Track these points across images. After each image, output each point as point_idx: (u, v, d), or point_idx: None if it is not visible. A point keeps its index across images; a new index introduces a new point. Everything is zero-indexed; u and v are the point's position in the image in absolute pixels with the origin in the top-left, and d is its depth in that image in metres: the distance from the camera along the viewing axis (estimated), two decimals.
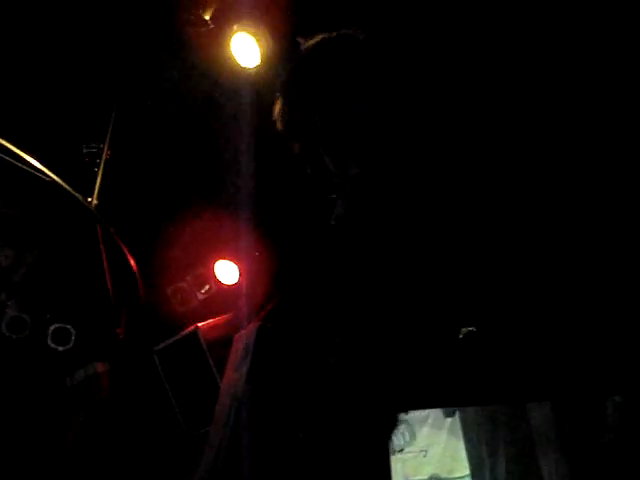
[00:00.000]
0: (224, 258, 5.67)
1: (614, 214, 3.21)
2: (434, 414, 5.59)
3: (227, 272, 5.72)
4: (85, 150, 5.35)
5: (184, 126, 5.15)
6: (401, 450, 5.43)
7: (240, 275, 5.68)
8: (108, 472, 5.80)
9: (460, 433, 5.43)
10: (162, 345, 5.76)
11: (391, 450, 5.20)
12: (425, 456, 5.47)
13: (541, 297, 5.26)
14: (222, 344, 5.38)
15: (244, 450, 4.32)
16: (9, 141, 4.50)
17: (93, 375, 6.23)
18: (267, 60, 4.54)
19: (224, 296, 5.82)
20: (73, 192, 4.49)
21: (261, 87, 4.61)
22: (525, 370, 5.19)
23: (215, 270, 5.73)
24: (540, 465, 5.27)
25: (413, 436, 5.52)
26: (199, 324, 5.52)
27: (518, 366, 5.22)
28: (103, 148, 5.29)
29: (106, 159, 5.30)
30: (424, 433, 5.54)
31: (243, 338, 4.93)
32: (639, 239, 3.03)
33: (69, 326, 6.20)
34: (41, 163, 4.60)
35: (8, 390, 6.61)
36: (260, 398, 4.15)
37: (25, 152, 4.55)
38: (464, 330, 5.75)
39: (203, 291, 5.84)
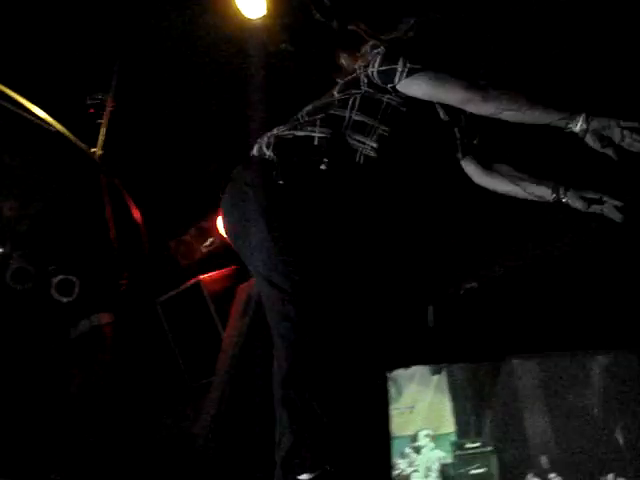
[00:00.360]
0: None
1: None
2: (420, 371, 5.60)
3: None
4: (89, 101, 5.34)
5: (188, 77, 5.12)
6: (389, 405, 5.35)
7: None
8: (111, 420, 5.88)
9: (446, 390, 5.47)
10: (165, 297, 5.81)
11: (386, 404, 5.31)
12: (411, 412, 5.47)
13: (532, 254, 5.30)
14: (225, 296, 5.42)
15: (247, 399, 4.38)
16: (14, 91, 4.50)
17: (97, 326, 6.28)
18: (272, 11, 4.50)
19: (228, 249, 5.84)
20: (78, 142, 4.49)
21: (266, 38, 4.59)
22: (512, 327, 5.22)
23: (219, 223, 5.74)
24: (525, 424, 5.35)
25: (399, 393, 5.51)
26: (202, 276, 5.55)
27: (506, 322, 5.27)
28: (107, 99, 5.27)
29: (110, 110, 5.29)
30: (410, 390, 5.53)
31: (246, 289, 4.97)
32: None
33: (73, 277, 6.24)
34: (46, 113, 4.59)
35: (13, 341, 6.68)
36: (262, 348, 4.18)
37: (30, 102, 4.54)
38: (466, 286, 5.80)
39: (207, 244, 5.85)
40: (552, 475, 5.07)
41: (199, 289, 5.55)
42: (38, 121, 4.42)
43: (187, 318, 5.80)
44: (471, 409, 5.38)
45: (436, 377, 5.50)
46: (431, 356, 5.47)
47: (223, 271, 5.63)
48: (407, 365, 5.49)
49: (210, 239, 5.82)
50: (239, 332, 4.62)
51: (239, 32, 4.78)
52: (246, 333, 4.54)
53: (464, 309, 5.50)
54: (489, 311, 5.35)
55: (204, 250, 5.86)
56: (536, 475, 5.11)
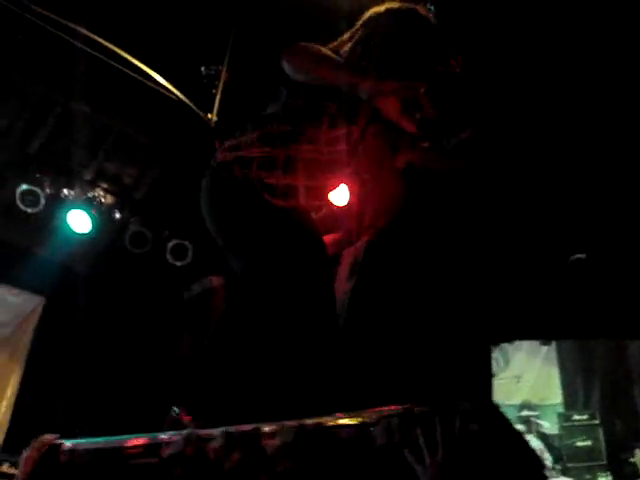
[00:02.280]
0: (338, 184, 5.76)
1: None
2: (529, 341, 5.62)
3: (338, 193, 5.84)
4: (204, 72, 5.51)
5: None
6: (494, 376, 5.46)
7: (350, 196, 5.78)
8: (223, 380, 6.10)
9: (555, 361, 5.50)
10: None
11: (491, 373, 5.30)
12: (518, 382, 5.54)
13: None
14: (333, 260, 5.52)
15: (352, 359, 4.47)
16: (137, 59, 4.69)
17: (209, 288, 6.53)
18: None
19: (334, 217, 5.93)
20: (195, 108, 4.67)
21: None
22: (624, 302, 5.08)
23: (329, 195, 5.84)
24: (635, 399, 5.30)
25: (507, 362, 5.56)
26: None
27: (622, 300, 5.12)
28: (222, 70, 5.43)
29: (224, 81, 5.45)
30: (518, 360, 5.57)
31: (352, 253, 5.06)
32: None
33: (186, 242, 6.51)
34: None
35: (131, 301, 7.03)
36: (367, 309, 4.28)
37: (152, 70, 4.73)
38: (573, 257, 5.69)
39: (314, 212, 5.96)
40: None
41: None
42: (159, 88, 4.61)
43: None
44: (580, 381, 5.38)
45: (545, 348, 5.54)
46: (540, 330, 5.42)
47: (329, 237, 5.73)
48: (516, 339, 5.49)
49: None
50: (345, 293, 4.72)
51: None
52: (351, 295, 4.63)
53: (573, 281, 5.40)
54: (600, 284, 5.25)
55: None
56: None
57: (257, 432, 1.79)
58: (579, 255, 5.59)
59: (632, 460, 5.00)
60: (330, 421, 1.80)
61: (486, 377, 5.47)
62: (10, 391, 6.80)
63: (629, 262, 5.28)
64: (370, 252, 4.61)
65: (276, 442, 1.76)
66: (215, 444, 1.81)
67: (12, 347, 6.95)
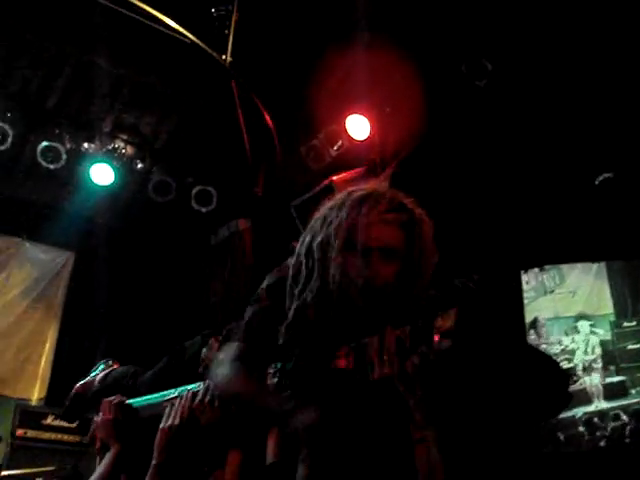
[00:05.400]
0: (355, 112, 5.71)
1: None
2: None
3: (359, 127, 5.78)
4: (215, 13, 5.44)
5: None
6: (552, 291, 6.03)
7: (372, 129, 5.73)
8: None
9: (605, 277, 5.95)
10: (299, 200, 5.93)
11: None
12: (573, 296, 6.01)
13: None
14: None
15: None
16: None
17: (236, 232, 6.55)
18: None
19: (357, 151, 5.90)
20: (208, 50, 4.62)
21: None
22: None
23: (347, 125, 5.80)
24: None
25: (562, 279, 6.08)
26: (334, 177, 5.64)
27: None
28: (232, 9, 5.36)
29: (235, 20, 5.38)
30: (573, 276, 6.09)
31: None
32: None
33: (210, 188, 6.50)
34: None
35: (158, 250, 7.08)
36: None
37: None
38: (600, 177, 5.67)
39: (335, 148, 5.93)
40: None
41: (332, 190, 5.64)
42: (172, 33, 4.56)
43: None
44: (628, 292, 5.87)
45: (596, 265, 5.99)
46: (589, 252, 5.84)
47: (354, 171, 5.71)
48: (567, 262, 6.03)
49: (339, 142, 5.88)
50: None
51: None
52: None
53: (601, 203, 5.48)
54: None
55: (333, 153, 5.94)
56: None
57: None
58: (606, 174, 5.61)
59: None
60: None
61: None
62: (49, 345, 6.94)
63: None
64: (395, 184, 4.57)
65: None
66: None
67: (47, 303, 7.06)
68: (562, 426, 5.47)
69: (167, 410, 2.15)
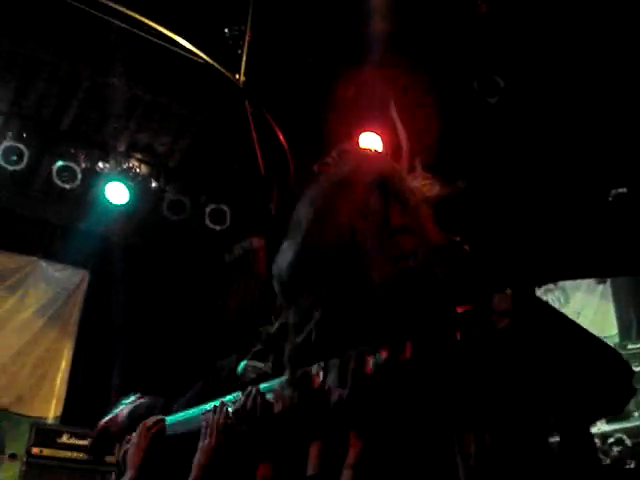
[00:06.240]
0: (368, 130, 5.74)
1: None
2: (587, 281, 6.09)
3: (371, 144, 5.80)
4: (228, 34, 5.48)
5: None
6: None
7: (384, 146, 5.75)
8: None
9: (610, 298, 5.93)
10: None
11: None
12: (578, 317, 5.83)
13: None
14: None
15: None
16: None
17: (250, 250, 6.58)
18: None
19: None
20: (222, 70, 4.66)
21: None
22: None
23: (359, 143, 5.81)
24: None
25: (567, 299, 6.07)
26: None
27: None
28: (245, 29, 5.40)
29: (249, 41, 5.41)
30: (577, 297, 6.09)
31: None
32: None
33: (224, 206, 6.54)
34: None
35: (173, 268, 7.11)
36: None
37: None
38: (614, 192, 5.65)
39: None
40: None
41: None
42: (186, 53, 4.60)
43: None
44: (633, 314, 5.86)
45: (601, 286, 6.00)
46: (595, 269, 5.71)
47: None
48: (574, 278, 5.96)
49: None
50: None
51: None
52: None
53: (614, 217, 5.44)
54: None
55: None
56: None
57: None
58: (620, 189, 5.58)
59: None
60: None
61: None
62: (64, 363, 6.97)
63: None
64: None
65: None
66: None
67: (62, 321, 7.10)
68: None
69: (203, 430, 2.07)
